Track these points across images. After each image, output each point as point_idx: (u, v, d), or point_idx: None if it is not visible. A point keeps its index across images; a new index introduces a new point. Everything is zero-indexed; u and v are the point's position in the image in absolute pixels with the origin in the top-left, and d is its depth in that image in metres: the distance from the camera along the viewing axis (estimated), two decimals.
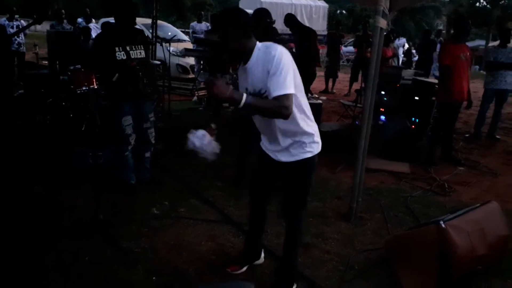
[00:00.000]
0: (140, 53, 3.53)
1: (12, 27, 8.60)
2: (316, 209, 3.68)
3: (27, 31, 9.15)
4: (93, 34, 6.85)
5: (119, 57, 3.43)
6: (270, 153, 2.39)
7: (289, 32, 6.37)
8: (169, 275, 2.67)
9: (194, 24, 10.97)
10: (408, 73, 6.60)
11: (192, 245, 3.02)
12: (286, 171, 2.35)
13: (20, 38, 8.78)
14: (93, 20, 10.56)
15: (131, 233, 3.11)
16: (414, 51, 13.12)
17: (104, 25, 6.46)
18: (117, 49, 3.42)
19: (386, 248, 3.00)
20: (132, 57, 3.49)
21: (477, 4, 30.46)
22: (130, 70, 3.48)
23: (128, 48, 3.47)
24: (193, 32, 10.68)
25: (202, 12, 12.69)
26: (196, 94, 8.40)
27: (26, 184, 3.80)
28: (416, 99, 6.05)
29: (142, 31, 3.91)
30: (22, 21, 9.47)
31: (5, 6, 10.04)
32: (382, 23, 3.31)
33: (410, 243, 2.78)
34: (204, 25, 10.46)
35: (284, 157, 2.31)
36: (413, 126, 5.72)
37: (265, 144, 2.44)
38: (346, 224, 3.44)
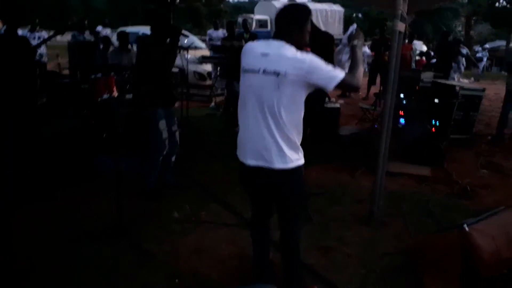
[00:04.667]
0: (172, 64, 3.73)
1: (34, 38, 8.83)
2: (336, 213, 3.67)
3: (48, 42, 9.37)
4: None
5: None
6: None
7: None
8: (190, 279, 2.70)
9: (211, 31, 11.10)
10: (427, 76, 6.53)
11: (213, 249, 3.04)
12: None
13: (42, 49, 9.01)
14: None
15: (153, 237, 3.15)
16: (432, 53, 12.96)
17: (121, 34, 6.55)
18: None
19: (409, 252, 2.97)
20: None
21: (497, 4, 29.88)
22: (168, 78, 3.75)
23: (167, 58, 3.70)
24: (210, 39, 10.80)
25: (217, 20, 12.80)
26: (214, 101, 8.48)
27: (50, 190, 3.90)
28: (436, 102, 5.99)
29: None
30: (43, 32, 9.71)
31: (27, 18, 10.32)
32: (401, 26, 3.30)
33: (433, 247, 2.74)
34: (221, 32, 10.56)
35: None
36: (433, 129, 5.65)
37: None
38: (367, 228, 3.42)
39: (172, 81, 3.80)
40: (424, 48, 18.58)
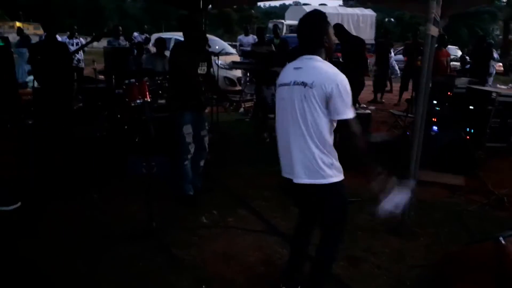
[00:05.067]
0: (204, 69, 3.75)
1: (73, 45, 9.19)
2: (365, 223, 3.60)
3: (85, 48, 9.73)
4: None
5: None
6: None
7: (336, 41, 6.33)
8: (217, 284, 2.72)
9: (241, 37, 11.19)
10: (461, 82, 6.34)
11: (240, 255, 3.05)
12: None
13: (79, 54, 9.37)
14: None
15: (181, 241, 3.20)
16: (468, 58, 12.58)
17: (159, 40, 6.71)
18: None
19: (440, 264, 2.88)
20: (199, 72, 3.81)
21: None
22: (195, 84, 3.76)
23: (196, 64, 3.79)
24: (240, 45, 10.90)
25: (248, 26, 12.90)
26: (243, 106, 8.54)
27: (84, 191, 4.03)
28: (471, 109, 5.80)
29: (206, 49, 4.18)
30: (81, 39, 10.10)
31: (67, 25, 10.75)
32: (434, 30, 3.23)
33: (466, 260, 2.65)
34: (251, 38, 10.62)
35: None
36: (468, 137, 5.47)
37: None
38: (397, 239, 3.34)
39: (201, 87, 3.83)
40: (459, 53, 18.07)
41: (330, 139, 2.15)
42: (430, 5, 3.12)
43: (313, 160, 2.12)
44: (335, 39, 2.26)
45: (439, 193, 4.35)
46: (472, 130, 5.69)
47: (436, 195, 4.29)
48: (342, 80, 2.05)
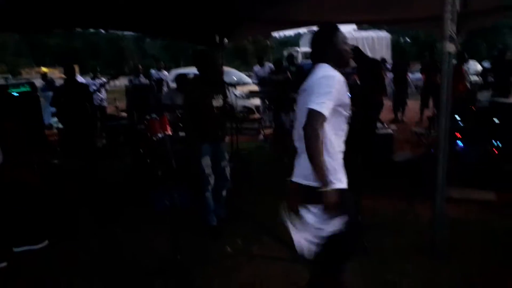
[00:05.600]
0: (220, 102, 3.81)
1: (95, 85, 9.51)
2: (395, 245, 3.49)
3: (107, 87, 10.05)
4: None
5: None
6: None
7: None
8: None
9: (256, 68, 11.29)
10: (484, 96, 6.22)
11: (266, 284, 2.98)
12: None
13: (102, 94, 9.67)
14: (165, 72, 11.41)
15: (206, 272, 3.16)
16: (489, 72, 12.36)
17: (179, 76, 6.86)
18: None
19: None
20: (214, 105, 3.81)
21: None
22: (211, 116, 3.78)
23: (210, 97, 3.80)
24: (256, 76, 11.03)
25: (263, 57, 13.03)
26: (262, 133, 8.58)
27: (109, 224, 4.07)
28: (497, 122, 5.65)
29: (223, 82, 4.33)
30: (103, 79, 10.45)
31: (90, 67, 11.18)
32: (451, 47, 3.20)
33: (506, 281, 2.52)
34: (267, 67, 10.74)
35: None
36: (495, 150, 5.31)
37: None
38: (429, 261, 3.21)
39: (217, 119, 3.86)
40: (478, 67, 17.82)
41: (327, 145, 2.03)
42: (445, 22, 3.10)
43: (305, 161, 2.02)
44: (345, 49, 2.19)
45: (470, 210, 4.20)
46: (499, 144, 5.52)
47: (467, 212, 4.14)
48: (324, 76, 2.03)
